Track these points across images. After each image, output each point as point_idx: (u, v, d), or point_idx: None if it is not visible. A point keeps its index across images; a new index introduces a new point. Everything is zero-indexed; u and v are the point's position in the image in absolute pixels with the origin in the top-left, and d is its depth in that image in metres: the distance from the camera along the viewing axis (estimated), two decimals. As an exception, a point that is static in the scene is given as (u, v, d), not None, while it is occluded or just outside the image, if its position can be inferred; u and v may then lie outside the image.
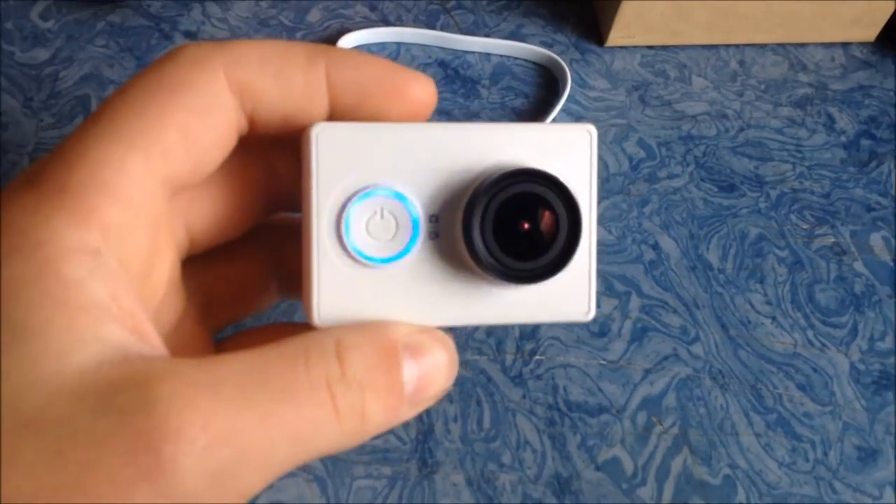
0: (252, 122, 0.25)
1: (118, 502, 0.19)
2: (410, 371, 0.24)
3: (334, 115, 0.26)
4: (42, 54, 0.49)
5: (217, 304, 0.29)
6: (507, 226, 0.25)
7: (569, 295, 0.27)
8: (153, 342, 0.22)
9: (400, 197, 0.25)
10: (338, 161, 0.24)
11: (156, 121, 0.23)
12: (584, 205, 0.26)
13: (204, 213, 0.27)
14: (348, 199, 0.25)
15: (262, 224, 0.29)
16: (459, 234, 0.25)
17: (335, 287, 0.25)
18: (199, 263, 0.28)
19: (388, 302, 0.26)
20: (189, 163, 0.24)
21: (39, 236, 0.21)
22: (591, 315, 0.27)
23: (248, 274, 0.30)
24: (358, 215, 0.25)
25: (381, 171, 0.25)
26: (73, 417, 0.19)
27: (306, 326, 0.25)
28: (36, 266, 0.20)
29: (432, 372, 0.25)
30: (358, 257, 0.25)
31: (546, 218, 0.25)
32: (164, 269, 0.25)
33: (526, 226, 0.25)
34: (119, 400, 0.20)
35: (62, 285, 0.20)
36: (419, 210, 0.25)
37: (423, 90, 0.26)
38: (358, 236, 0.25)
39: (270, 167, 0.28)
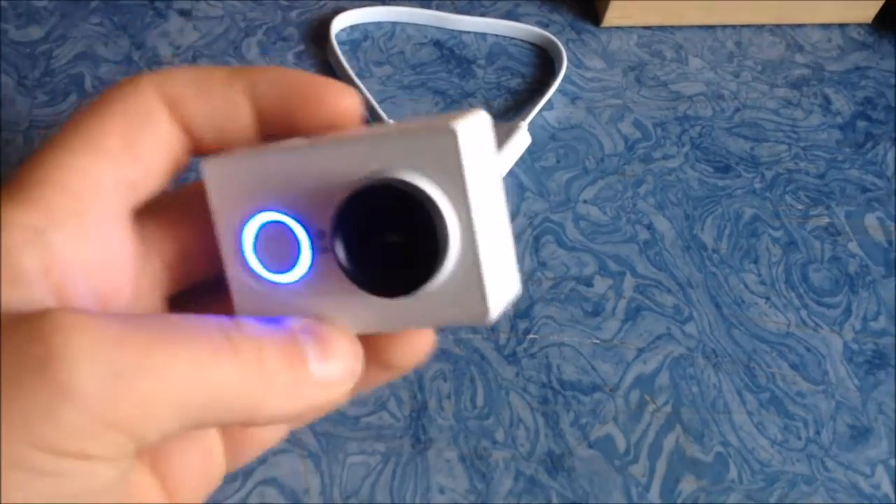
0: (192, 139, 0.27)
1: (17, 402, 0.20)
2: (308, 343, 0.25)
3: (265, 129, 0.27)
4: (36, 32, 0.49)
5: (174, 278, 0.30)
6: (373, 242, 0.25)
7: (464, 298, 0.26)
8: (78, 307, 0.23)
9: (281, 221, 0.26)
10: (227, 191, 0.26)
11: (98, 129, 0.25)
12: (460, 213, 0.25)
13: (178, 248, 0.28)
14: (239, 225, 0.26)
15: None
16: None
17: (246, 300, 0.27)
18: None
19: (294, 310, 0.27)
20: (136, 167, 0.25)
21: None
22: (492, 317, 0.26)
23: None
24: (253, 237, 0.26)
25: (265, 197, 0.26)
26: None
27: None
28: None
29: (326, 340, 0.26)
30: (259, 277, 0.26)
31: (402, 232, 0.25)
32: (129, 278, 0.26)
33: (389, 240, 0.25)
34: (13, 320, 0.21)
35: None
36: (299, 227, 0.26)
37: (341, 97, 0.27)
38: (255, 258, 0.26)
39: None
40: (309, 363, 0.25)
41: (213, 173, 0.26)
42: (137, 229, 0.26)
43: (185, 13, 0.52)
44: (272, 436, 0.31)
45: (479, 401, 0.38)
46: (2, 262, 0.22)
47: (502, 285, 0.27)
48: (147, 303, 0.27)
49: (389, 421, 0.37)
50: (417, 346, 0.30)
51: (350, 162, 0.25)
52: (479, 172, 0.25)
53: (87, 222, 0.24)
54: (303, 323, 0.26)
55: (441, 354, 0.39)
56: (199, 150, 0.27)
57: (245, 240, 0.26)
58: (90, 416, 0.20)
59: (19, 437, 0.20)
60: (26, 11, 0.50)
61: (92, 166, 0.25)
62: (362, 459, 0.35)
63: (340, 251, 0.25)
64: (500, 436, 0.37)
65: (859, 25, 0.60)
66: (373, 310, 0.27)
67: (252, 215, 0.26)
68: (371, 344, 0.29)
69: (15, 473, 0.20)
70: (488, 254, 0.26)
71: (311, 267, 0.27)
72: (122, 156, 0.25)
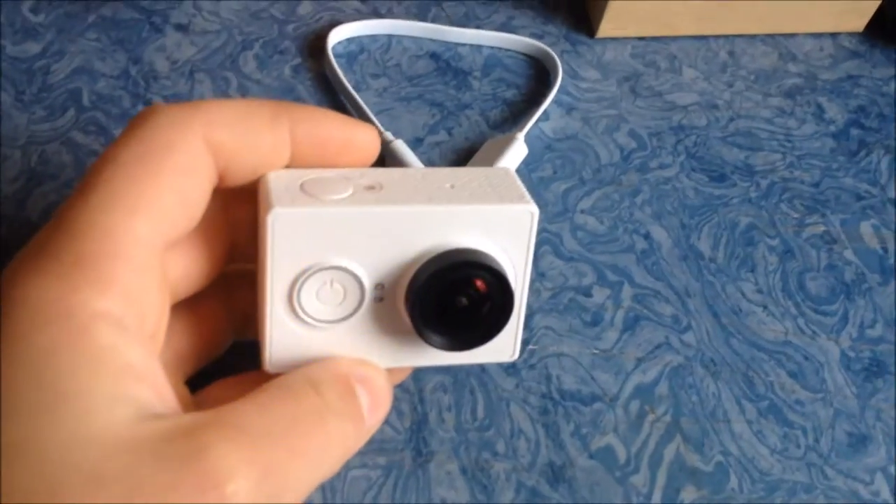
0: (221, 178, 0.27)
1: None
2: (364, 397, 0.28)
3: (293, 163, 0.29)
4: (33, 48, 0.49)
5: (186, 353, 0.31)
6: (445, 302, 0.28)
7: (496, 342, 0.29)
8: (169, 400, 0.24)
9: (347, 272, 0.27)
10: (291, 242, 0.27)
11: (152, 185, 0.25)
12: (517, 275, 0.29)
13: (179, 268, 0.28)
14: (299, 275, 0.27)
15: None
16: (402, 305, 0.28)
17: (285, 343, 0.28)
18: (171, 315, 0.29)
19: (333, 350, 0.29)
20: (183, 221, 0.26)
21: (67, 306, 0.22)
22: (515, 356, 0.31)
23: (212, 321, 0.32)
24: (308, 286, 0.27)
25: (331, 249, 0.27)
26: (133, 469, 0.21)
27: (268, 375, 0.29)
28: (69, 334, 0.22)
29: (378, 396, 0.28)
30: (307, 321, 0.28)
31: (480, 298, 0.28)
32: (165, 325, 0.27)
33: (463, 301, 0.28)
34: (172, 450, 0.22)
35: (95, 351, 0.22)
36: (365, 281, 0.28)
37: (369, 139, 0.30)
38: (308, 304, 0.28)
39: (229, 217, 0.30)
40: (365, 418, 0.28)
41: (282, 225, 0.26)
42: None
43: (181, 28, 0.52)
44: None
45: (480, 412, 0.38)
46: (114, 363, 0.23)
47: (521, 328, 0.31)
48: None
49: (390, 434, 0.37)
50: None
51: (427, 226, 0.27)
52: (534, 238, 0.29)
53: (149, 301, 0.25)
54: (356, 372, 0.28)
55: (441, 366, 0.39)
56: (220, 186, 0.28)
57: (300, 286, 0.27)
58: None
59: None
60: (23, 27, 0.50)
61: (151, 234, 0.24)
62: (363, 473, 0.35)
63: (419, 320, 0.28)
64: (500, 447, 0.37)
65: (851, 34, 0.61)
66: (409, 349, 0.30)
67: (314, 264, 0.27)
68: None
69: None
70: (523, 307, 0.30)
71: (360, 312, 0.28)
72: (175, 216, 0.25)
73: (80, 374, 0.22)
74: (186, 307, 0.30)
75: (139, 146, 0.25)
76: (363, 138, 0.30)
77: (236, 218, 0.30)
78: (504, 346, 0.31)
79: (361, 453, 0.36)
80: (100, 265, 0.23)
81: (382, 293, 0.28)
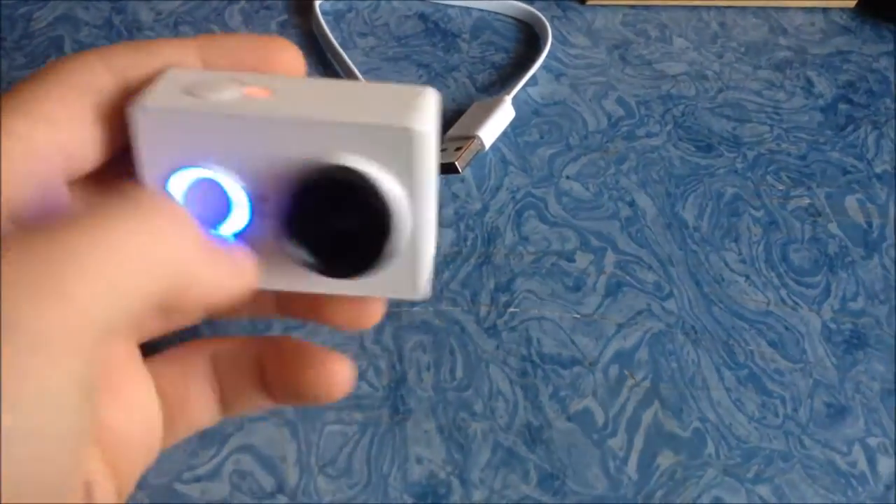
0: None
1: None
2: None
3: None
4: (15, -6, 0.49)
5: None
6: (323, 226, 0.25)
7: (397, 276, 0.27)
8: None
9: (215, 179, 0.25)
10: (160, 142, 0.24)
11: (42, 96, 0.25)
12: (415, 200, 0.25)
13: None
14: (167, 174, 0.25)
15: None
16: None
17: None
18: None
19: None
20: (75, 136, 0.25)
21: None
22: (419, 296, 0.27)
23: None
24: (184, 189, 0.25)
25: (202, 153, 0.25)
26: None
27: None
28: None
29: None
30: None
31: (353, 218, 0.25)
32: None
33: (340, 225, 0.25)
34: None
35: None
36: (239, 193, 0.25)
37: (291, 60, 0.27)
38: (188, 206, 0.25)
39: None
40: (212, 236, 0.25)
41: (145, 122, 0.24)
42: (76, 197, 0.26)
43: (166, -21, 0.51)
44: (203, 416, 0.31)
45: (459, 372, 0.37)
46: None
47: (429, 265, 0.27)
48: None
49: (368, 391, 0.36)
50: (366, 314, 0.29)
51: (304, 139, 0.24)
52: (427, 162, 0.25)
53: (25, 191, 0.24)
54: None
55: (421, 325, 0.39)
56: None
57: (172, 188, 0.25)
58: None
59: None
60: (4, -27, 0.49)
61: (28, 131, 0.24)
62: (340, 428, 0.35)
63: (291, 237, 0.25)
64: (478, 407, 0.37)
65: (842, 10, 0.60)
66: (302, 272, 0.26)
67: (184, 167, 0.25)
68: (319, 308, 0.29)
69: None
70: (426, 240, 0.27)
71: (246, 226, 0.26)
72: (60, 123, 0.24)
73: None
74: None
75: (38, 72, 0.26)
76: (283, 60, 0.27)
77: None
78: (405, 284, 0.27)
79: (337, 409, 0.36)
80: None
81: (269, 209, 0.25)
